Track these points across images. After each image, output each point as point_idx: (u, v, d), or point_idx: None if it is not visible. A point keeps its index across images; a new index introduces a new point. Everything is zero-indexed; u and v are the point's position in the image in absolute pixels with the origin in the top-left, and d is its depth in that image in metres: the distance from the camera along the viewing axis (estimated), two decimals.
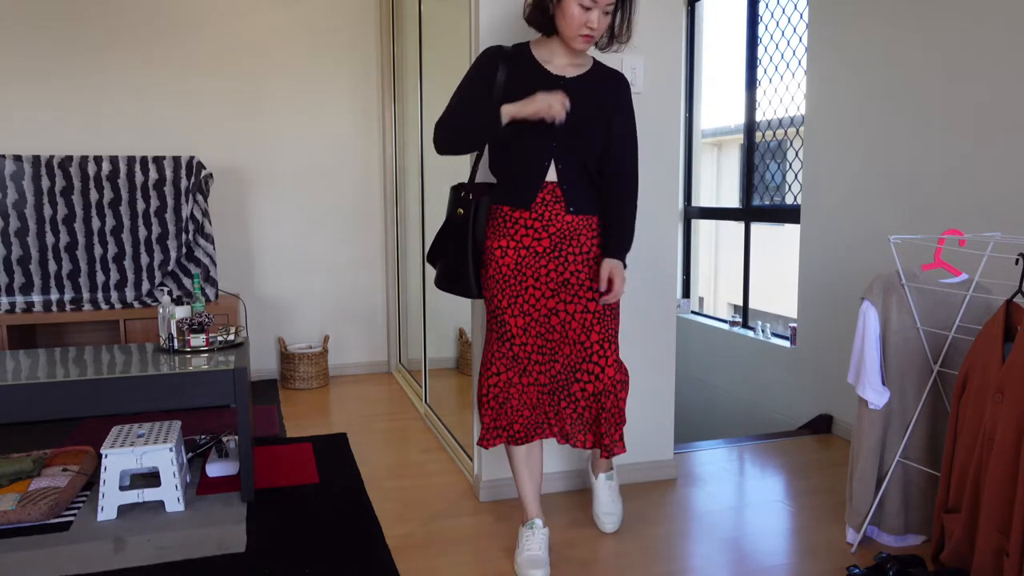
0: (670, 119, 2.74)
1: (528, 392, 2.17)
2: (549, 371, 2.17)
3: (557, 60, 2.16)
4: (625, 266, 2.16)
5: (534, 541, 2.18)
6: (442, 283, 2.28)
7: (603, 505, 2.45)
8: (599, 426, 2.16)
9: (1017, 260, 1.94)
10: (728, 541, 2.36)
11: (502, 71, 2.13)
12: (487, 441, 2.22)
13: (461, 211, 2.18)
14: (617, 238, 2.17)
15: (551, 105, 2.03)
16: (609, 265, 2.13)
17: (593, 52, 2.37)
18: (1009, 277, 2.54)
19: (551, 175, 2.12)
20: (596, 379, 2.13)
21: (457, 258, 2.21)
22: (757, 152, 4.20)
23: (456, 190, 2.26)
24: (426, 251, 2.26)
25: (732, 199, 7.18)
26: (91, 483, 2.79)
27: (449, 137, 2.14)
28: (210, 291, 3.92)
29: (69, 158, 3.79)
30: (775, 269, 5.09)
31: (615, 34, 2.14)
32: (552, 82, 2.12)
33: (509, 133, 2.10)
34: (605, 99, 2.16)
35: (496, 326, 2.18)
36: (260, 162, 4.30)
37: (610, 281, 2.12)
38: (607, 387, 2.14)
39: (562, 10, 2.04)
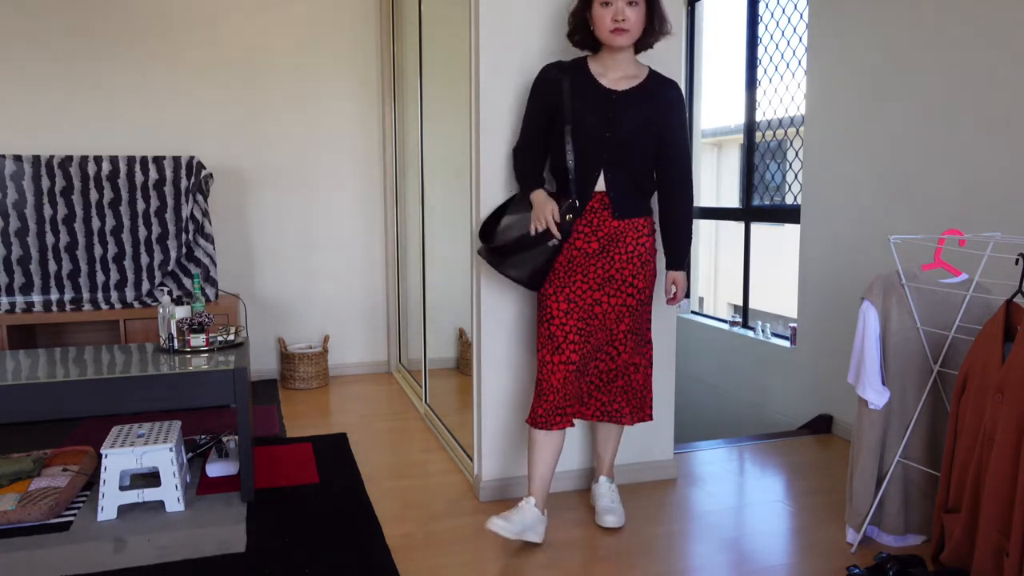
0: None
1: (557, 372, 2.26)
2: (581, 350, 2.29)
3: (611, 74, 2.28)
4: (688, 269, 2.39)
5: (515, 511, 2.23)
6: (517, 275, 2.30)
7: (604, 504, 2.48)
8: (607, 399, 2.39)
9: (1017, 260, 1.94)
10: (728, 541, 2.36)
11: (566, 83, 2.25)
12: (530, 418, 2.31)
13: (571, 217, 2.24)
14: (677, 251, 2.39)
15: (542, 221, 2.24)
16: (672, 276, 2.40)
17: (649, 61, 2.47)
18: (1009, 277, 2.54)
19: (600, 185, 2.27)
20: (611, 360, 2.36)
21: (549, 256, 2.27)
22: (757, 152, 4.20)
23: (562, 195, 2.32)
24: (495, 238, 2.42)
25: (732, 199, 7.18)
26: (91, 483, 2.79)
27: (517, 172, 2.42)
28: (210, 291, 3.92)
29: (69, 158, 3.79)
30: (775, 269, 5.09)
31: (656, 28, 2.23)
32: (604, 96, 2.25)
33: (565, 146, 2.25)
34: (655, 110, 2.27)
35: (540, 311, 2.33)
36: (260, 162, 4.30)
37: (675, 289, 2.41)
38: (619, 367, 2.37)
39: (592, 17, 2.19)
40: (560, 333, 2.27)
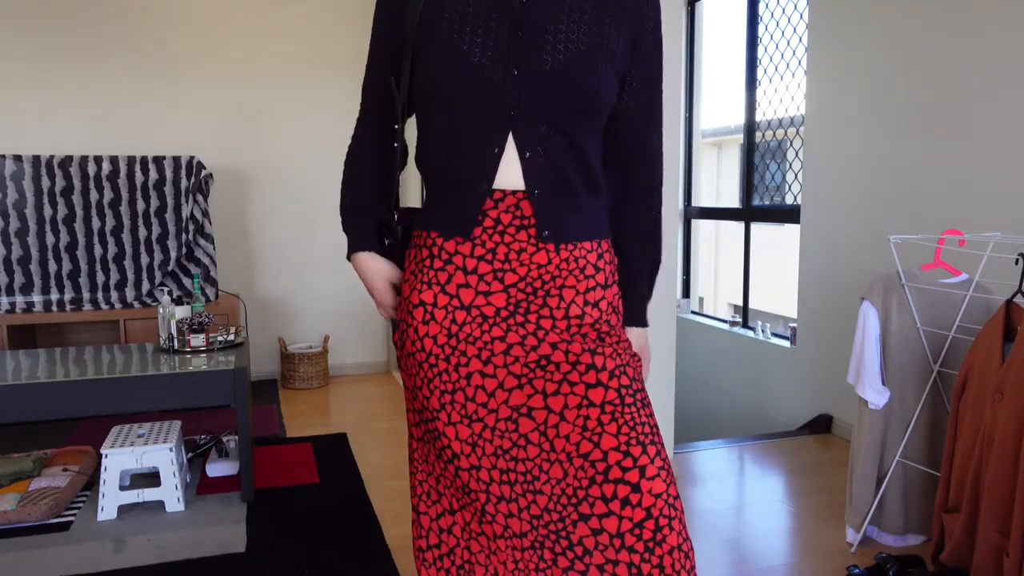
0: (670, 119, 2.73)
1: (499, 553, 1.18)
2: (528, 508, 1.15)
3: None
4: (647, 324, 1.29)
5: None
6: None
7: None
8: None
9: (1017, 260, 1.94)
10: (728, 541, 2.36)
11: None
12: None
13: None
14: (636, 297, 1.28)
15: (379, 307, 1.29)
16: (632, 336, 1.27)
17: None
18: (1009, 277, 2.54)
19: (509, 175, 1.15)
20: (627, 506, 1.10)
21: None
22: (757, 152, 4.20)
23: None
24: None
25: (732, 199, 7.18)
26: (91, 483, 2.79)
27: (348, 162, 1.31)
28: (210, 291, 3.92)
29: (69, 158, 3.79)
30: (775, 269, 5.09)
31: None
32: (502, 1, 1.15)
33: (426, 103, 1.19)
34: (611, 21, 1.17)
35: (426, 435, 1.23)
36: (260, 162, 4.30)
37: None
38: (654, 515, 1.10)
39: None
40: (476, 484, 1.17)
